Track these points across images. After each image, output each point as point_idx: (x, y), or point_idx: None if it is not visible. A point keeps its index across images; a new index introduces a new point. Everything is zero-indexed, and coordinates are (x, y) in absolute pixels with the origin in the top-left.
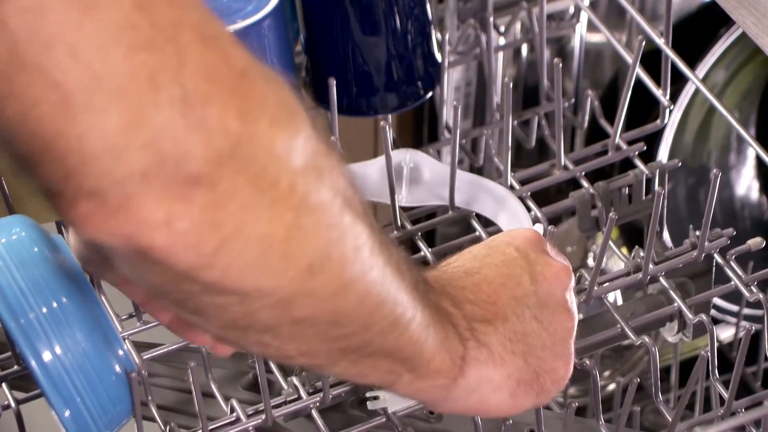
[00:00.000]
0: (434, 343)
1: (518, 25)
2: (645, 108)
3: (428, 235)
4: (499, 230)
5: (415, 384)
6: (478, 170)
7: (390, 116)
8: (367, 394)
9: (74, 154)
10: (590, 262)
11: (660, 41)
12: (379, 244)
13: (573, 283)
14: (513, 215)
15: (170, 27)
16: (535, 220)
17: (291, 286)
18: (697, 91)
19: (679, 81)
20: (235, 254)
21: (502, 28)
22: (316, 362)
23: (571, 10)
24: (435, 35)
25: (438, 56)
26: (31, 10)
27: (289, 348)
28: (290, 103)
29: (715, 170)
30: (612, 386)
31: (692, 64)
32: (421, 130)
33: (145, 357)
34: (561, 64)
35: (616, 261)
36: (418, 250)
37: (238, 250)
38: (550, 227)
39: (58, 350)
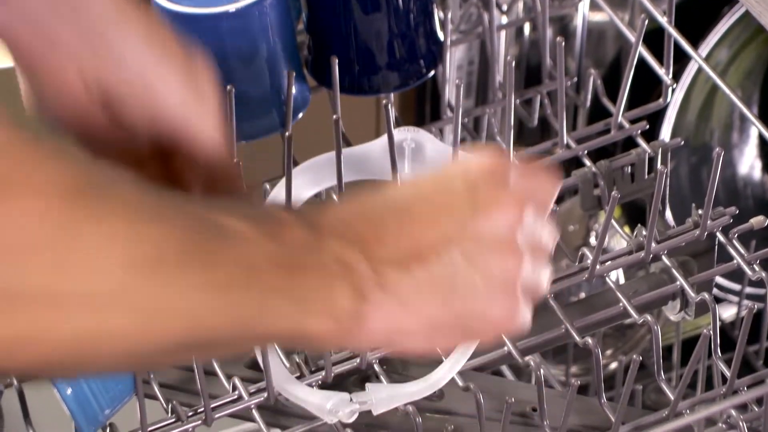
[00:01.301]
0: (309, 313)
1: (521, 4)
2: (648, 87)
3: None
4: None
5: (312, 342)
6: None
7: (392, 95)
8: (353, 398)
9: None
10: (592, 240)
11: (663, 20)
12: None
13: (526, 219)
14: None
15: None
16: None
17: None
18: (699, 70)
19: (681, 60)
20: None
21: (505, 7)
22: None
23: None
24: (437, 14)
25: (440, 35)
26: None
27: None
28: None
29: (717, 149)
30: (614, 365)
31: (695, 43)
32: (424, 109)
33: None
34: (563, 43)
35: (619, 240)
36: None
37: None
38: (552, 206)
39: None
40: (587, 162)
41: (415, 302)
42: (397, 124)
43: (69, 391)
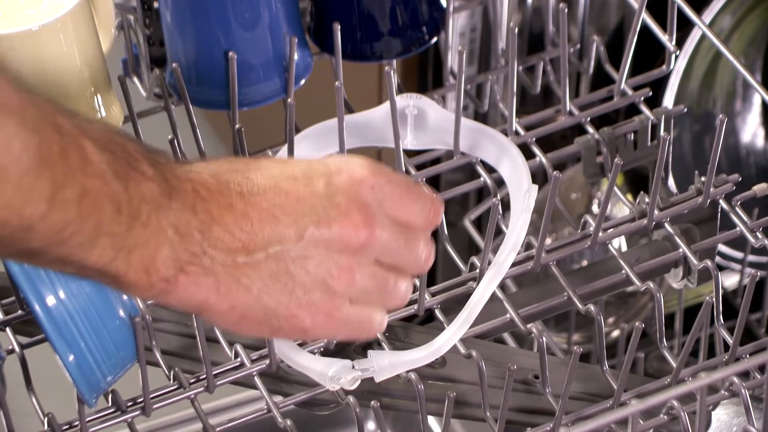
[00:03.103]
0: (128, 262)
1: None
2: (651, 54)
3: (433, 180)
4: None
5: (120, 286)
6: (482, 116)
7: (394, 61)
8: (355, 366)
9: None
10: (595, 208)
11: None
12: (60, 151)
13: (381, 241)
14: (514, 164)
15: None
16: (538, 169)
17: None
18: (703, 37)
19: (685, 26)
20: None
21: None
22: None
23: None
24: None
25: (443, 1)
26: None
27: None
28: None
29: (721, 116)
30: (616, 333)
31: (698, 10)
32: (426, 76)
33: (149, 302)
34: (566, 10)
35: (621, 207)
36: None
37: None
38: (554, 173)
39: (62, 295)
40: (590, 129)
41: (231, 286)
42: (400, 91)
43: (71, 358)
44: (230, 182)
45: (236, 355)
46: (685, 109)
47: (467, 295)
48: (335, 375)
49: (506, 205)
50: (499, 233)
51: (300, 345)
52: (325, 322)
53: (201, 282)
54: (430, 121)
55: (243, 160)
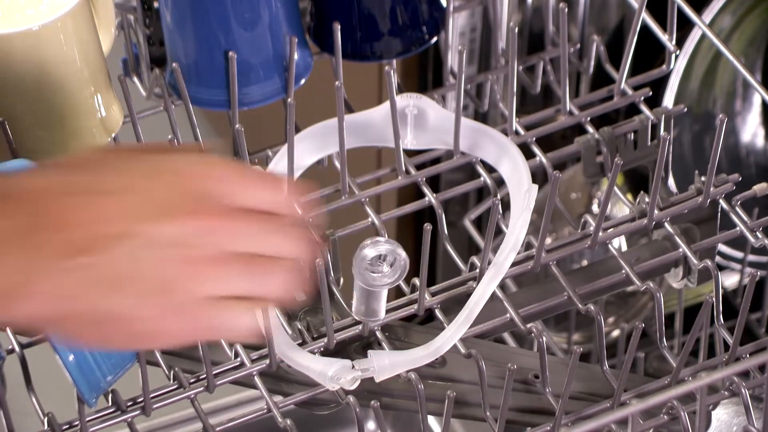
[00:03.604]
0: None
1: None
2: (651, 53)
3: (433, 180)
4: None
5: None
6: (482, 116)
7: (394, 61)
8: (355, 366)
9: None
10: (595, 208)
11: None
12: None
13: (221, 242)
14: (514, 163)
15: None
16: (538, 168)
17: None
18: (703, 37)
19: (685, 26)
20: None
21: None
22: None
23: None
24: None
25: (443, 1)
26: None
27: None
28: None
29: (721, 115)
30: (616, 332)
31: (698, 9)
32: (426, 76)
33: None
34: (566, 9)
35: (621, 207)
36: (422, 195)
37: None
38: (554, 173)
39: None
40: (590, 129)
41: (74, 293)
42: (400, 91)
43: (71, 357)
44: (75, 173)
45: (236, 354)
46: (685, 109)
47: (467, 295)
48: (335, 375)
49: (506, 204)
50: (499, 233)
51: (300, 344)
52: (176, 321)
53: (45, 290)
54: (430, 121)
55: (85, 158)
